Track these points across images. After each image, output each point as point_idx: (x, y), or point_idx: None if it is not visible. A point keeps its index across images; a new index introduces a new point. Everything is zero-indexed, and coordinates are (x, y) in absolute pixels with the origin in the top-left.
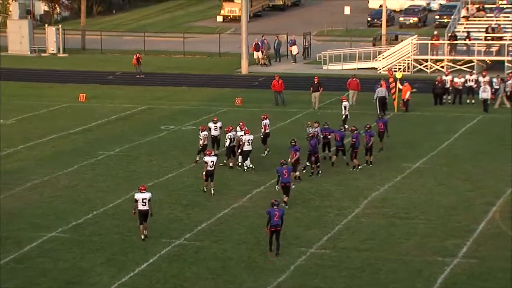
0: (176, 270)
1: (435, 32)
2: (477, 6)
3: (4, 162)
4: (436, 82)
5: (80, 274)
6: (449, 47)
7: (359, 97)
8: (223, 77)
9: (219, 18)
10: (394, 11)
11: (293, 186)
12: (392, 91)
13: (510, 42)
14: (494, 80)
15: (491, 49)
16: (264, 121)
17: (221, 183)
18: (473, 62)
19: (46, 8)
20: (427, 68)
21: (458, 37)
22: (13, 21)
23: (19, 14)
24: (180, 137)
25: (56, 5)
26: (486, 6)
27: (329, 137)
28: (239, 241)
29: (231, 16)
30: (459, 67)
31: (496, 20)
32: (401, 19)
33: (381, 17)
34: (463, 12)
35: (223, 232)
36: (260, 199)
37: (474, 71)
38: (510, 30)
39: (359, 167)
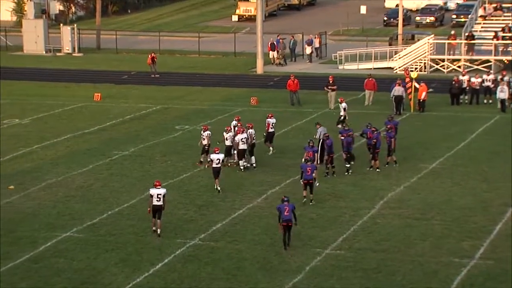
0: (191, 271)
1: (452, 32)
2: (495, 5)
3: (19, 161)
4: (453, 82)
5: (95, 274)
6: (466, 46)
7: (375, 97)
8: (238, 76)
9: (235, 18)
10: (411, 10)
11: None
12: (408, 91)
13: None
14: None
15: (508, 49)
16: (268, 120)
17: (236, 184)
18: (491, 62)
19: (61, 8)
20: (443, 68)
21: (476, 37)
22: (29, 21)
23: (35, 14)
24: (195, 137)
25: (71, 5)
26: (503, 5)
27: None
28: (254, 241)
29: (247, 16)
30: (476, 66)
31: None
32: (417, 18)
33: (398, 17)
34: (480, 12)
35: (238, 232)
36: (275, 200)
37: (492, 71)
38: None
39: (377, 169)
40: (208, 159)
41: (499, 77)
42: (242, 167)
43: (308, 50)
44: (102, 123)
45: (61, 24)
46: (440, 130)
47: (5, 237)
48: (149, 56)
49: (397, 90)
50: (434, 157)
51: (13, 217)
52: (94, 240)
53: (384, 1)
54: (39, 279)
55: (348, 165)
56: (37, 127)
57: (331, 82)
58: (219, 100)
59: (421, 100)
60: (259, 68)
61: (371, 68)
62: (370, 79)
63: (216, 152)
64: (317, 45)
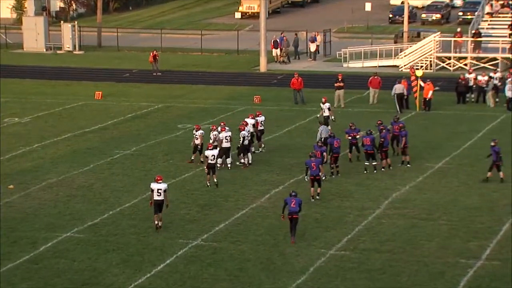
0: (193, 271)
1: (458, 29)
2: (502, 2)
3: (19, 161)
4: (459, 80)
5: (96, 275)
6: (472, 44)
7: (380, 95)
8: (241, 75)
9: (237, 15)
10: (416, 7)
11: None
12: (414, 89)
13: None
14: None
15: None
16: (257, 118)
17: (239, 183)
18: (498, 59)
19: (62, 5)
20: (450, 66)
21: (483, 34)
22: (29, 18)
23: (35, 11)
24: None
25: (72, 2)
26: (510, 2)
27: (358, 137)
28: (257, 242)
29: (250, 13)
30: (482, 64)
31: None
32: (423, 15)
33: (403, 14)
34: (487, 9)
35: (241, 233)
36: (279, 200)
37: (499, 69)
38: None
39: (390, 167)
40: (201, 159)
41: (507, 74)
42: (229, 165)
43: (312, 47)
44: (103, 122)
45: (62, 22)
46: (446, 129)
47: (5, 237)
48: (151, 54)
49: (398, 88)
50: (440, 157)
51: (13, 217)
52: (95, 240)
53: None
54: (39, 280)
55: (367, 163)
56: (37, 126)
57: (339, 79)
58: (222, 98)
59: (427, 99)
60: (263, 66)
61: (376, 66)
62: (375, 77)
63: (210, 148)
64: (318, 42)
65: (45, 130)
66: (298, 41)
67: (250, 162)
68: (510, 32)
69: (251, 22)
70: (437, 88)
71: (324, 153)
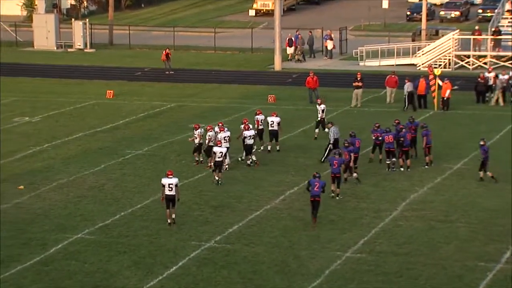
0: (206, 274)
1: (476, 27)
2: None
3: (29, 161)
4: (479, 79)
5: (107, 277)
6: (492, 42)
7: (397, 94)
8: (255, 73)
9: (252, 12)
10: (435, 4)
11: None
12: (432, 88)
13: None
14: None
15: None
16: (257, 116)
17: (253, 184)
18: None
19: (73, 2)
20: (469, 65)
21: (503, 32)
22: (39, 15)
23: (45, 8)
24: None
25: None
26: None
27: (380, 138)
28: (272, 244)
29: (264, 10)
30: (502, 63)
31: None
32: (442, 13)
33: (421, 11)
34: (507, 6)
35: (254, 234)
36: (293, 201)
37: None
38: None
39: (408, 169)
40: (200, 159)
41: None
42: (226, 166)
43: (329, 45)
44: (115, 121)
45: (73, 19)
46: (465, 129)
47: (15, 239)
48: (164, 52)
49: (409, 86)
50: (458, 157)
51: (23, 218)
52: (106, 242)
53: None
54: (49, 282)
55: (388, 161)
56: (48, 126)
57: (358, 79)
58: (236, 97)
59: (445, 98)
60: (277, 65)
61: (393, 65)
62: (392, 76)
63: (219, 145)
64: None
65: (56, 129)
66: (314, 39)
67: (256, 160)
68: None
69: (265, 20)
70: (455, 87)
71: (352, 154)
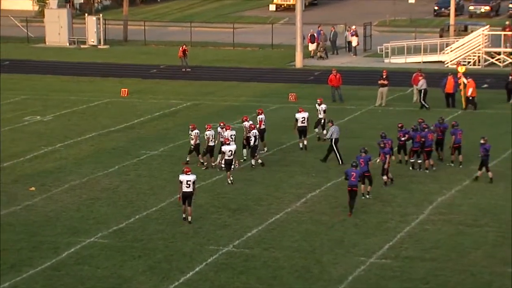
0: (224, 280)
1: (507, 22)
2: None
3: (41, 161)
4: (510, 77)
5: (121, 282)
6: None
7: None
8: (275, 71)
9: (272, 7)
10: None
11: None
12: (460, 86)
13: None
14: None
15: None
16: (260, 116)
17: (272, 186)
18: None
19: None
20: (499, 62)
21: None
22: (51, 11)
23: (58, 3)
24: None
25: None
26: None
27: (403, 139)
28: (292, 249)
29: (285, 5)
30: None
31: None
32: (471, 8)
33: (449, 6)
34: None
35: (274, 239)
36: (315, 203)
37: None
38: None
39: (433, 168)
40: (200, 160)
41: None
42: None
43: (354, 42)
44: (129, 120)
45: (86, 14)
46: (494, 130)
47: (26, 242)
48: (180, 48)
49: (423, 83)
50: None
51: (34, 221)
52: (120, 246)
53: None
54: (61, 287)
55: (412, 160)
56: (60, 125)
57: (384, 76)
58: (255, 96)
59: (469, 97)
60: (298, 62)
61: (420, 62)
62: (419, 73)
63: (227, 143)
64: (349, 38)
65: (68, 129)
66: (337, 35)
67: (262, 162)
68: None
69: (286, 15)
70: (485, 85)
71: (387, 155)
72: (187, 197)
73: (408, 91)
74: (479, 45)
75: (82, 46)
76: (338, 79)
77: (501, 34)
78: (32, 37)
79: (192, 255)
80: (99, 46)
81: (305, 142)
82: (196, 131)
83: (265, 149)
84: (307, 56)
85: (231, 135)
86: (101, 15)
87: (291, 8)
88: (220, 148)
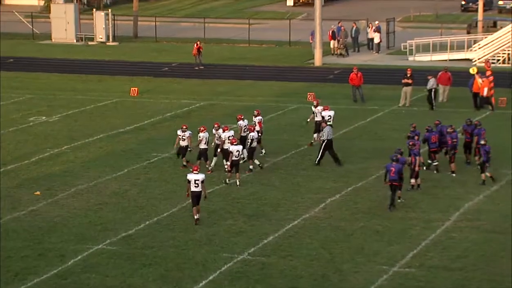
0: None
1: None
2: None
3: (46, 164)
4: None
5: None
6: None
7: (451, 92)
8: (293, 69)
9: (289, 2)
10: None
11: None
12: (490, 85)
13: None
14: None
15: None
16: (258, 117)
17: (290, 191)
18: None
19: None
20: None
21: None
22: (57, 5)
23: None
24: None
25: None
26: None
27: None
28: (311, 257)
29: (303, 0)
30: None
31: None
32: (500, 2)
33: (477, 1)
34: None
35: (292, 246)
36: (335, 209)
37: None
38: None
39: (453, 174)
40: (184, 162)
41: None
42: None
43: (376, 38)
44: (139, 121)
45: (94, 9)
46: None
47: (31, 250)
48: (195, 45)
49: (432, 82)
50: None
51: (40, 227)
52: (129, 253)
53: None
54: None
55: (430, 161)
56: (67, 126)
57: (408, 75)
58: (272, 95)
59: (484, 97)
60: (318, 60)
61: (446, 60)
62: (445, 72)
63: (235, 143)
64: (371, 35)
65: (75, 130)
66: (359, 32)
67: (260, 164)
68: None
69: (304, 10)
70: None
71: (417, 157)
72: (196, 197)
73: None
74: (509, 42)
75: (90, 43)
76: (359, 78)
77: None
78: (38, 33)
79: (205, 263)
80: (107, 43)
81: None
82: (189, 132)
83: (263, 151)
84: (326, 53)
85: (229, 137)
86: (109, 10)
87: (309, 3)
88: (215, 150)
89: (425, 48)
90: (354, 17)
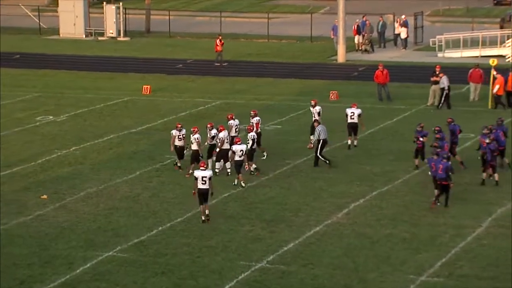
0: None
1: None
2: None
3: (53, 166)
4: None
5: None
6: None
7: (482, 91)
8: (315, 66)
9: None
10: None
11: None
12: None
13: None
14: None
15: None
16: (256, 118)
17: (311, 195)
18: None
19: None
20: None
21: None
22: None
23: None
24: (263, 139)
25: None
26: None
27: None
28: (333, 265)
29: None
30: None
31: None
32: None
33: None
34: None
35: (313, 254)
36: (359, 215)
37: None
38: None
39: (490, 177)
40: (179, 164)
41: None
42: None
43: (403, 33)
44: (152, 121)
45: (104, 3)
46: None
47: (37, 257)
48: (218, 41)
49: (444, 80)
50: None
51: (47, 233)
52: (141, 261)
53: None
54: None
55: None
56: (75, 126)
57: (437, 72)
58: (292, 94)
59: (495, 95)
60: (341, 56)
61: (477, 56)
62: (477, 69)
63: (238, 143)
64: (398, 30)
65: (84, 130)
66: (385, 26)
67: (257, 167)
68: None
69: (327, 4)
70: None
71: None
72: (202, 195)
73: (464, 89)
74: None
75: (99, 38)
76: (385, 76)
77: None
78: (45, 28)
79: (221, 271)
80: (118, 38)
81: (355, 142)
82: (184, 131)
83: (265, 154)
84: (350, 49)
85: (228, 137)
86: (121, 3)
87: None
88: (211, 152)
89: (455, 44)
90: (380, 11)
